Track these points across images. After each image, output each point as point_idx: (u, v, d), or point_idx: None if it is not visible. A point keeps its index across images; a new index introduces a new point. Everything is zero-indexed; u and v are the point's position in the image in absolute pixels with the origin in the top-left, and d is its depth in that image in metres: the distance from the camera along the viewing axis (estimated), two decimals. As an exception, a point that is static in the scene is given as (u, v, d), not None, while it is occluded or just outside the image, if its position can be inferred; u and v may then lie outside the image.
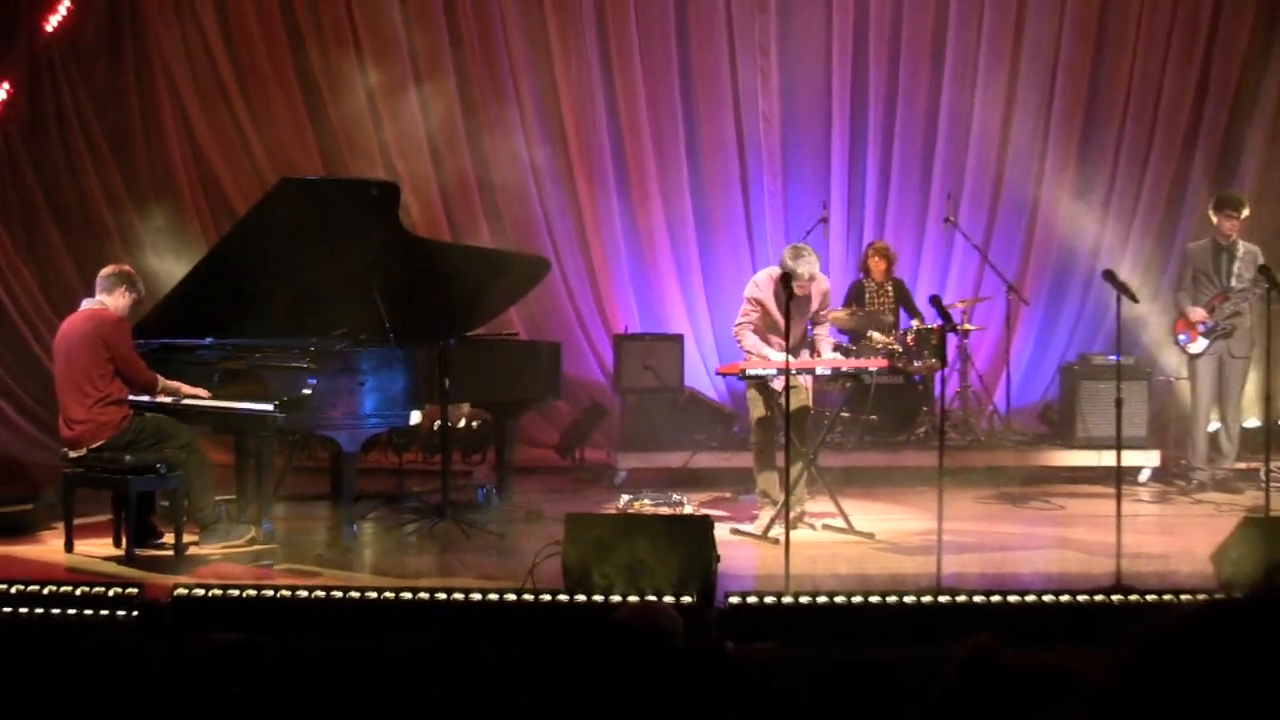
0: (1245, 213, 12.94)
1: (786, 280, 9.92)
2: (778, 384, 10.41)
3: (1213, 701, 1.26)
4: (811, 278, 10.63)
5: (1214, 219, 13.03)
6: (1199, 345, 12.94)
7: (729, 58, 15.97)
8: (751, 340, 10.87)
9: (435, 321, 10.88)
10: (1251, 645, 1.28)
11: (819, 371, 11.10)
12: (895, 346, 13.65)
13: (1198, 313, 12.88)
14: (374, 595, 7.80)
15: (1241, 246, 12.88)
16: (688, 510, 11.53)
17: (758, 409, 11.03)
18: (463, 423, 14.02)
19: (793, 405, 10.02)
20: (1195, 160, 16.18)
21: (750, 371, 10.74)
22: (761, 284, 10.94)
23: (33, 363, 14.16)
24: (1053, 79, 16.12)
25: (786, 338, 9.77)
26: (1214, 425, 13.30)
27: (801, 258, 10.59)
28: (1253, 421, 13.82)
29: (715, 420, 14.65)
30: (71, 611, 7.61)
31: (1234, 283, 12.79)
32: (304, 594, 7.78)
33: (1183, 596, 7.82)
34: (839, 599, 7.54)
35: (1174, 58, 16.09)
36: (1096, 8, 16.05)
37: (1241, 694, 1.25)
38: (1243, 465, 13.25)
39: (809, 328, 11.09)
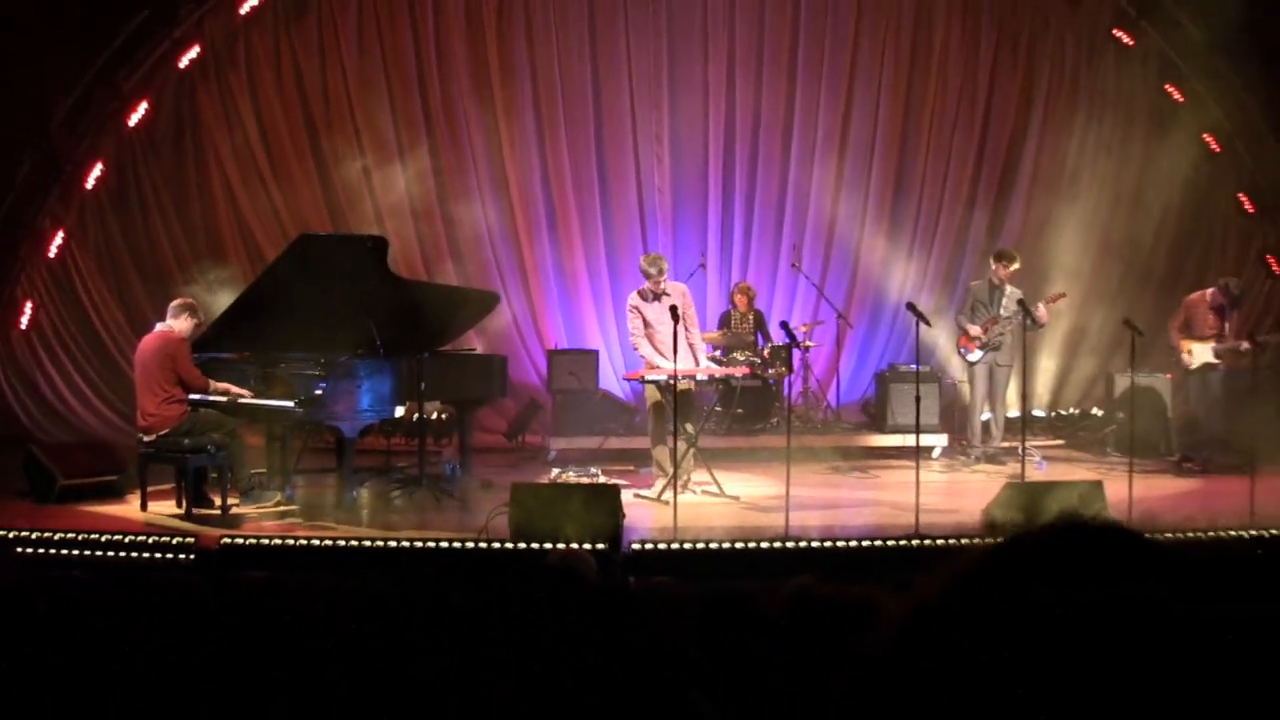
0: (1016, 265, 13.18)
1: (674, 310, 10.00)
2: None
3: (1004, 628, 1.27)
4: (661, 272, 10.84)
5: (993, 265, 13.29)
6: (976, 355, 13.14)
7: (632, 143, 16.02)
8: (647, 349, 10.95)
9: (414, 340, 10.87)
10: (1042, 576, 1.29)
11: (699, 378, 11.16)
12: (755, 359, 13.76)
13: (975, 330, 13.07)
14: (369, 543, 7.80)
15: (1008, 288, 13.07)
16: (601, 480, 11.57)
17: (653, 396, 11.10)
18: (434, 415, 13.95)
19: (679, 392, 10.13)
20: (973, 222, 16.47)
21: (649, 377, 10.81)
22: (634, 298, 11.13)
23: (119, 372, 14.08)
24: (870, 157, 16.30)
25: (675, 344, 9.85)
26: (986, 415, 13.47)
27: (654, 263, 10.84)
28: (1014, 412, 13.99)
29: (622, 413, 14.70)
30: (145, 555, 7.61)
31: (1002, 311, 12.98)
32: (317, 543, 7.79)
33: (964, 540, 7.94)
34: (714, 545, 7.59)
35: (958, 143, 16.41)
36: (902, 104, 16.29)
37: (1033, 621, 1.26)
38: (1007, 444, 13.42)
39: (685, 330, 11.14)
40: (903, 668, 1.32)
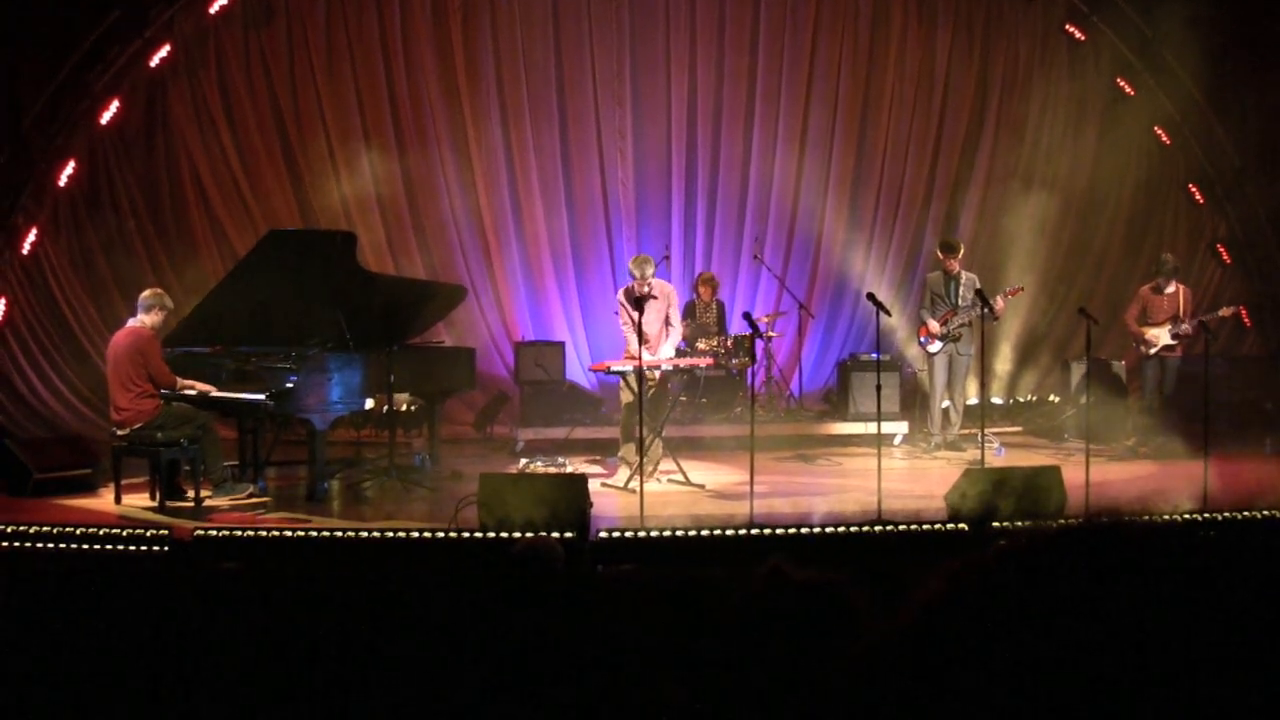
0: (961, 253, 13.29)
1: (636, 300, 10.00)
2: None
3: (1026, 614, 1.25)
4: (644, 276, 10.80)
5: (940, 257, 13.35)
6: (936, 347, 13.17)
7: (596, 139, 16.03)
8: (632, 341, 10.94)
9: (383, 333, 10.85)
10: (1071, 567, 1.28)
11: (665, 368, 11.15)
12: (720, 349, 13.77)
13: (934, 325, 13.12)
14: (340, 534, 7.76)
15: (964, 275, 13.14)
16: (569, 469, 11.54)
17: (626, 395, 11.08)
18: (403, 407, 13.91)
19: (650, 388, 10.14)
20: (931, 213, 16.61)
21: (614, 369, 10.80)
22: (621, 295, 11.12)
23: (93, 367, 13.95)
24: (830, 154, 16.39)
25: (640, 334, 9.85)
26: (945, 403, 13.51)
27: (639, 265, 10.80)
28: (973, 399, 14.05)
29: (588, 404, 14.68)
30: (120, 547, 7.57)
31: (960, 302, 13.03)
32: (289, 534, 7.74)
33: (925, 526, 7.96)
34: (679, 532, 7.59)
35: (915, 135, 16.55)
36: (860, 98, 16.44)
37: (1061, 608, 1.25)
38: (966, 431, 13.47)
39: (667, 324, 11.19)
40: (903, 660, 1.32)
